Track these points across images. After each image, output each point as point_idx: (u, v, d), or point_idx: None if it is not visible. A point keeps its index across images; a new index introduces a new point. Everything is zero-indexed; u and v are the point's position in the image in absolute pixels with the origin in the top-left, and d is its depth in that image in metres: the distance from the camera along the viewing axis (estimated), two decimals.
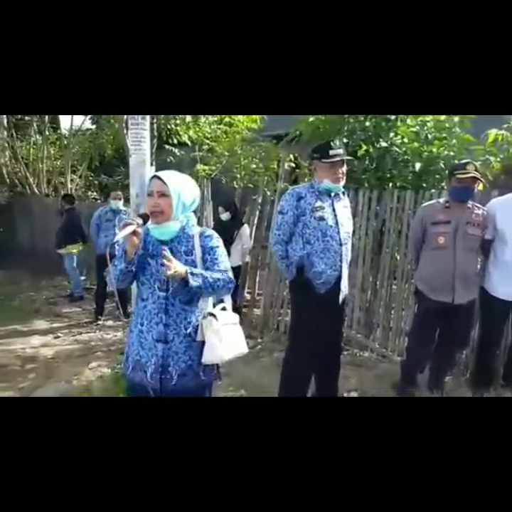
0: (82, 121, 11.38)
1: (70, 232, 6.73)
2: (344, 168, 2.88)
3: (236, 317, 2.00)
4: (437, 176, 4.39)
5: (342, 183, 2.90)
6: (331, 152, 2.81)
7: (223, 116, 7.74)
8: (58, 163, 10.95)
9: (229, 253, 4.80)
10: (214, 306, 1.94)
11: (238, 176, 7.12)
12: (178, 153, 8.43)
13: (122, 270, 1.81)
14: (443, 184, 4.07)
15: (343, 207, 2.97)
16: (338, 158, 2.82)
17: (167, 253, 1.72)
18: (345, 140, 4.50)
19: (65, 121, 11.40)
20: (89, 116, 11.41)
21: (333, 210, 2.87)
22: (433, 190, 4.05)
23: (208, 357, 1.85)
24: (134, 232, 1.73)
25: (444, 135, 4.52)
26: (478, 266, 3.19)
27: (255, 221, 5.49)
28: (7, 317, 5.83)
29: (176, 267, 1.71)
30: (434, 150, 4.40)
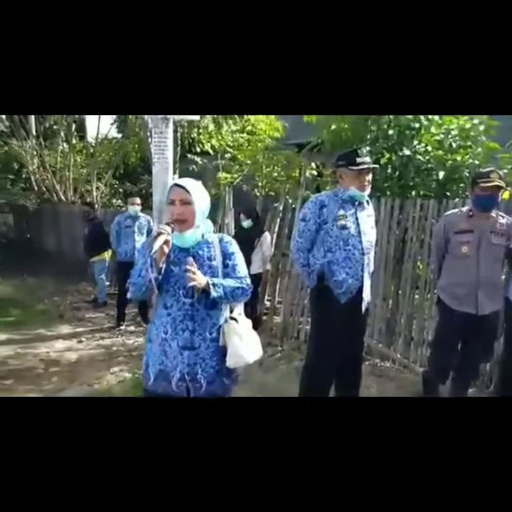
0: (108, 130, 11.67)
1: (94, 241, 6.84)
2: (370, 177, 2.86)
3: (249, 322, 2.03)
4: (461, 185, 4.33)
5: (368, 191, 2.88)
6: (358, 160, 2.80)
7: (246, 124, 7.81)
8: (84, 171, 11.22)
9: (250, 260, 4.84)
10: (231, 310, 1.97)
11: (260, 183, 7.15)
12: (200, 162, 8.54)
13: (155, 279, 1.76)
14: (467, 193, 4.00)
15: (367, 216, 2.94)
16: (365, 166, 2.80)
17: (193, 266, 1.76)
18: (368, 148, 4.48)
19: (92, 129, 11.68)
20: (114, 125, 11.67)
21: (356, 219, 2.85)
22: (457, 199, 3.99)
23: (233, 360, 1.85)
24: (165, 242, 1.75)
25: (469, 143, 4.45)
26: (503, 276, 3.12)
27: (276, 229, 5.51)
28: (33, 321, 5.97)
29: (200, 278, 1.75)
30: (459, 158, 4.34)
